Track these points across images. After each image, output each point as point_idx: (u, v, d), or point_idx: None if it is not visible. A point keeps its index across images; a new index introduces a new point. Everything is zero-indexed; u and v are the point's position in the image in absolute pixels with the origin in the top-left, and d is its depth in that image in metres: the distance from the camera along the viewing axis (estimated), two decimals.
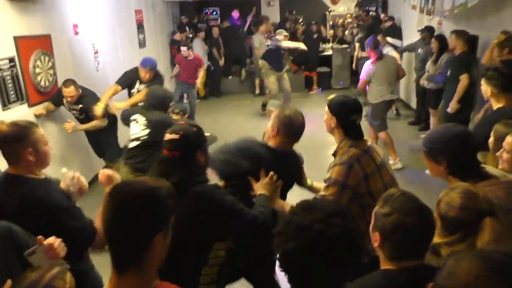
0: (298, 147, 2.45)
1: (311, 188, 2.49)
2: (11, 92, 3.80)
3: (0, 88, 3.64)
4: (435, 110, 5.78)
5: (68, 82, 4.23)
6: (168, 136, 1.86)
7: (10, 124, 1.87)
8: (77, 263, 1.54)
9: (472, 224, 1.41)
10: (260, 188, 2.06)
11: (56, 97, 4.40)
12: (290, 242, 1.06)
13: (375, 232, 1.34)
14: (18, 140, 1.84)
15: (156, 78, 4.93)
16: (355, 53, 8.51)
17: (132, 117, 3.61)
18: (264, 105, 7.78)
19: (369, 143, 2.21)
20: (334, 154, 2.21)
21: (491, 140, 2.27)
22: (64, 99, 4.33)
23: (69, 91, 4.22)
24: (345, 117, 2.14)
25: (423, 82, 5.90)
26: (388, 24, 8.46)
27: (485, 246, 1.38)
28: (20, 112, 3.92)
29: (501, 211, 1.50)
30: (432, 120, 5.98)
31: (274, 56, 7.65)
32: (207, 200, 1.80)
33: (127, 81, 4.88)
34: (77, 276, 1.51)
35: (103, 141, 4.72)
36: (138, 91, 4.82)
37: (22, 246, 1.67)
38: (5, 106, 3.70)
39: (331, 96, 2.26)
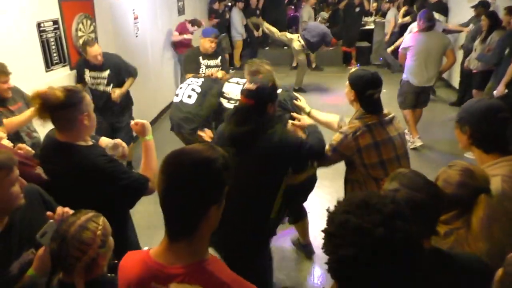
0: (323, 127, 2.51)
1: (309, 115, 2.71)
2: (54, 54, 3.91)
3: (44, 49, 3.76)
4: (480, 91, 5.48)
5: (91, 41, 4.11)
6: (247, 86, 2.19)
7: (63, 89, 1.82)
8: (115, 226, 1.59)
9: (468, 201, 1.41)
10: (305, 122, 2.49)
11: (78, 75, 4.18)
12: (348, 247, 0.92)
13: None
14: (75, 105, 1.82)
15: (218, 45, 4.69)
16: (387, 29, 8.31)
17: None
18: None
19: (388, 117, 2.30)
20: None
21: None
22: (86, 74, 4.15)
23: (96, 49, 3.99)
24: (362, 90, 2.25)
25: (468, 63, 5.56)
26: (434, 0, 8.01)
27: (479, 221, 1.37)
28: (63, 74, 4.04)
29: None
30: None
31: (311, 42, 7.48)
32: (277, 141, 2.11)
33: (193, 64, 4.50)
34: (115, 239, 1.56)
35: (119, 122, 4.40)
36: (208, 67, 4.45)
37: (51, 203, 1.77)
38: (48, 68, 3.82)
39: (353, 70, 2.38)
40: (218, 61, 4.51)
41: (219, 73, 4.20)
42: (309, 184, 2.86)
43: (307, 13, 9.24)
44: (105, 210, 1.55)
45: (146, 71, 5.92)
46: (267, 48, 10.35)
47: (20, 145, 2.11)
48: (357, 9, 9.64)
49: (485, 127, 1.67)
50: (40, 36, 3.69)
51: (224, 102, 3.51)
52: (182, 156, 1.15)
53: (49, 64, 3.83)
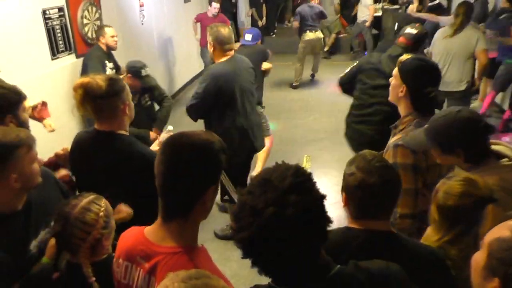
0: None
1: None
2: (60, 42, 3.89)
3: (49, 37, 3.74)
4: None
5: (106, 25, 4.08)
6: (408, 30, 2.76)
7: (105, 78, 1.80)
8: None
9: (472, 212, 1.35)
10: None
11: (96, 70, 3.70)
12: (244, 230, 0.93)
13: (342, 192, 1.34)
14: (117, 94, 1.79)
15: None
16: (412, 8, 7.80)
17: None
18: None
19: None
20: (395, 127, 1.95)
21: None
22: (108, 67, 4.01)
23: (114, 31, 4.01)
24: (419, 87, 1.84)
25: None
26: None
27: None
28: (69, 62, 4.03)
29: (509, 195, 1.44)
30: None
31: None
32: None
33: None
34: None
35: None
36: None
37: (65, 188, 1.80)
38: (54, 56, 3.81)
39: (405, 57, 1.96)
40: None
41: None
42: None
43: None
44: (143, 206, 1.53)
45: (152, 59, 5.89)
46: (273, 35, 10.25)
47: (64, 148, 2.03)
48: None
49: (476, 143, 1.57)
50: (46, 24, 3.67)
51: None
52: (182, 138, 1.18)
53: (55, 52, 3.82)
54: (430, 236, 1.46)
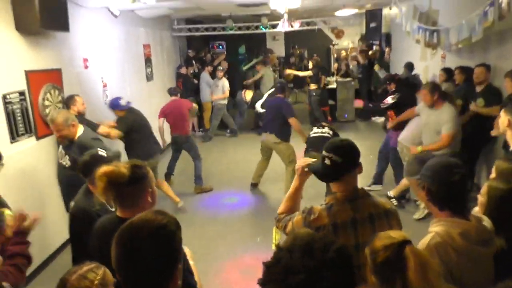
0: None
1: None
2: (20, 125, 3.82)
3: (9, 121, 3.67)
4: None
5: (75, 94, 4.56)
6: None
7: (128, 166, 1.82)
8: None
9: (398, 259, 1.38)
10: None
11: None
12: (271, 284, 0.96)
13: None
14: (140, 182, 1.81)
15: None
16: None
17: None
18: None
19: (339, 194, 1.81)
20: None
21: (492, 176, 2.20)
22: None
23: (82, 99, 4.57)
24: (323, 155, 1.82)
25: None
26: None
27: (415, 272, 1.32)
28: (28, 145, 3.93)
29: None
30: None
31: None
32: None
33: None
34: None
35: None
36: None
37: None
38: (13, 139, 3.72)
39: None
40: None
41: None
42: None
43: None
44: None
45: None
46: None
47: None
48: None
49: (440, 185, 1.71)
50: (6, 108, 3.63)
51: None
52: (137, 229, 1.17)
53: (14, 136, 3.73)
54: None
